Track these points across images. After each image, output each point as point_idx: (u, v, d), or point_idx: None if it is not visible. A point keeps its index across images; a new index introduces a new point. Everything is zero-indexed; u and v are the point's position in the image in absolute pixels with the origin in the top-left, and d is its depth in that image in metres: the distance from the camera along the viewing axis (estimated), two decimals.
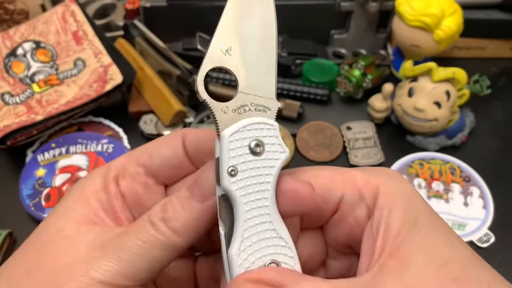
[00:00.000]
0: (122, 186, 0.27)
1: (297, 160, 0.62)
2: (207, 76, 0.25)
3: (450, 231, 0.23)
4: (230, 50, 0.24)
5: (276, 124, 0.25)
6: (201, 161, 0.27)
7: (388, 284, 0.21)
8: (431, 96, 0.59)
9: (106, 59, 0.63)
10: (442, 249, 0.22)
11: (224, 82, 0.67)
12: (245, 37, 0.24)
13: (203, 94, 0.23)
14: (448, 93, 0.59)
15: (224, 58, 0.24)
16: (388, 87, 0.63)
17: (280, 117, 0.64)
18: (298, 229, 0.27)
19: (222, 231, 0.24)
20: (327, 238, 0.28)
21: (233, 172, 0.23)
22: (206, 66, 0.23)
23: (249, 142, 0.24)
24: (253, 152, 0.24)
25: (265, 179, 0.24)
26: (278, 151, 0.24)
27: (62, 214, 0.25)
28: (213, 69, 0.24)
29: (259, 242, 0.23)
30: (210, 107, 0.24)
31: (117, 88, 0.61)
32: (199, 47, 0.69)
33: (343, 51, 0.75)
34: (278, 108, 0.25)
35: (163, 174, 0.28)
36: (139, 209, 0.27)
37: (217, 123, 0.24)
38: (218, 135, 0.24)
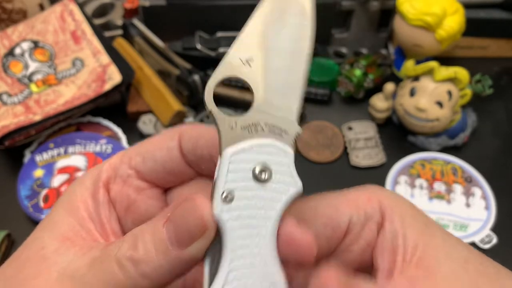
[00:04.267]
0: (112, 191, 0.25)
1: (298, 161, 0.61)
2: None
3: (447, 231, 0.24)
4: (252, 60, 0.21)
5: (290, 151, 0.22)
6: (199, 166, 0.25)
7: None
8: (432, 96, 0.58)
9: (105, 58, 0.62)
10: (459, 248, 0.23)
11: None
12: (272, 48, 0.21)
13: (210, 105, 0.21)
14: (450, 93, 0.58)
15: (242, 68, 0.21)
16: (389, 86, 0.62)
17: None
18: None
19: (206, 267, 0.21)
20: None
21: (227, 198, 0.20)
22: (219, 74, 0.21)
23: (254, 166, 0.21)
24: (256, 178, 0.21)
25: (265, 213, 0.21)
26: (288, 182, 0.21)
27: (47, 227, 0.24)
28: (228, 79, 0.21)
29: None
30: (216, 120, 0.21)
31: (116, 88, 0.61)
32: (198, 46, 0.68)
33: (344, 50, 0.75)
34: (298, 134, 0.22)
35: (156, 179, 0.26)
36: (132, 215, 0.26)
37: (221, 139, 0.21)
38: (220, 153, 0.21)
